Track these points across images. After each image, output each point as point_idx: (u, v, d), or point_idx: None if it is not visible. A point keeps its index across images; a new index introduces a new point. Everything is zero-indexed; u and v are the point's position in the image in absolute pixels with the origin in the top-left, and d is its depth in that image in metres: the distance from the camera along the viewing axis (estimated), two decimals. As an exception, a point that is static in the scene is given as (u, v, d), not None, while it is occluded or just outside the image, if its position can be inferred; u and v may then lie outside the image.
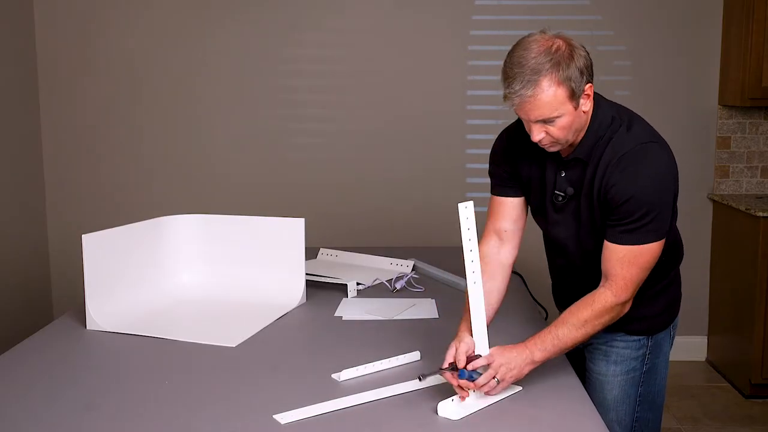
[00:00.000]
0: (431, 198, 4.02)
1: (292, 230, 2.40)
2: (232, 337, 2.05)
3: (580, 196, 1.83)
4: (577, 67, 1.68)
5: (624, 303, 1.77)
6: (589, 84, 1.74)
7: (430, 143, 4.01)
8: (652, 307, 1.96)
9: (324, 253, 2.92)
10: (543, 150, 1.83)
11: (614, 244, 1.75)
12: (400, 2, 3.92)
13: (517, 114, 1.76)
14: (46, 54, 3.96)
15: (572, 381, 1.79)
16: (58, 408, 1.63)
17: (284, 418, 1.56)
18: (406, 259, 2.83)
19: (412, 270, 2.72)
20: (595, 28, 3.91)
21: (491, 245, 1.99)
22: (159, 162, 4.02)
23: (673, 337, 2.08)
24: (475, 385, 1.64)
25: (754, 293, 3.54)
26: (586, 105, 1.76)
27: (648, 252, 1.75)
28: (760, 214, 3.49)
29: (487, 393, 1.65)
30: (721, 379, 3.88)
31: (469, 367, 1.66)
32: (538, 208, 1.97)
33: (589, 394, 1.91)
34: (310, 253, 2.86)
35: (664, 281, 1.96)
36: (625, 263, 1.74)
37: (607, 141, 1.78)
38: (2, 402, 1.67)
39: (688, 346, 4.09)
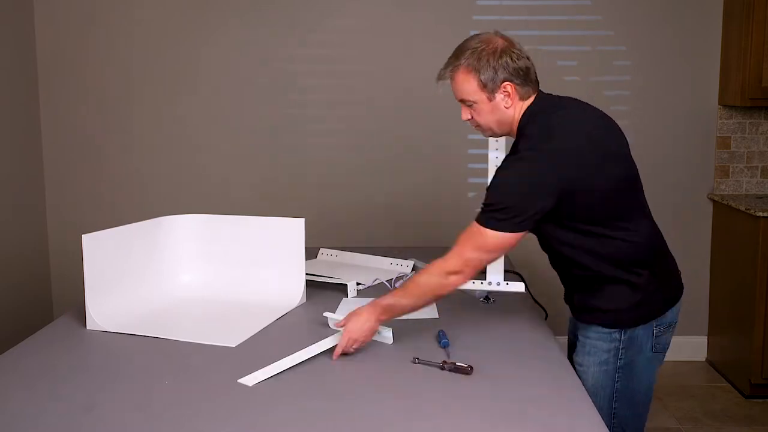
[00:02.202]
0: (432, 198, 4.02)
1: (292, 230, 2.40)
2: (232, 337, 2.05)
3: None
4: (492, 66, 1.92)
5: (450, 271, 1.93)
6: (507, 83, 1.93)
7: (431, 143, 4.01)
8: (615, 300, 1.99)
9: (324, 253, 2.92)
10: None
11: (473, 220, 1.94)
12: (401, 2, 3.92)
13: None
14: (46, 54, 3.96)
15: (572, 381, 1.79)
16: (58, 408, 1.63)
17: (249, 380, 1.71)
18: (406, 258, 2.83)
19: (412, 270, 2.72)
20: (596, 28, 3.91)
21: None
22: (159, 162, 4.02)
23: (658, 336, 2.04)
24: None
25: (754, 293, 3.55)
26: (507, 102, 1.96)
27: (487, 236, 1.89)
28: (760, 214, 3.49)
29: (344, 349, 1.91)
30: (721, 379, 3.88)
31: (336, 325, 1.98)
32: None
33: None
34: (310, 253, 2.86)
35: (622, 273, 1.96)
36: (467, 236, 1.93)
37: (521, 129, 1.99)
38: (2, 402, 1.67)
39: (688, 346, 4.09)
